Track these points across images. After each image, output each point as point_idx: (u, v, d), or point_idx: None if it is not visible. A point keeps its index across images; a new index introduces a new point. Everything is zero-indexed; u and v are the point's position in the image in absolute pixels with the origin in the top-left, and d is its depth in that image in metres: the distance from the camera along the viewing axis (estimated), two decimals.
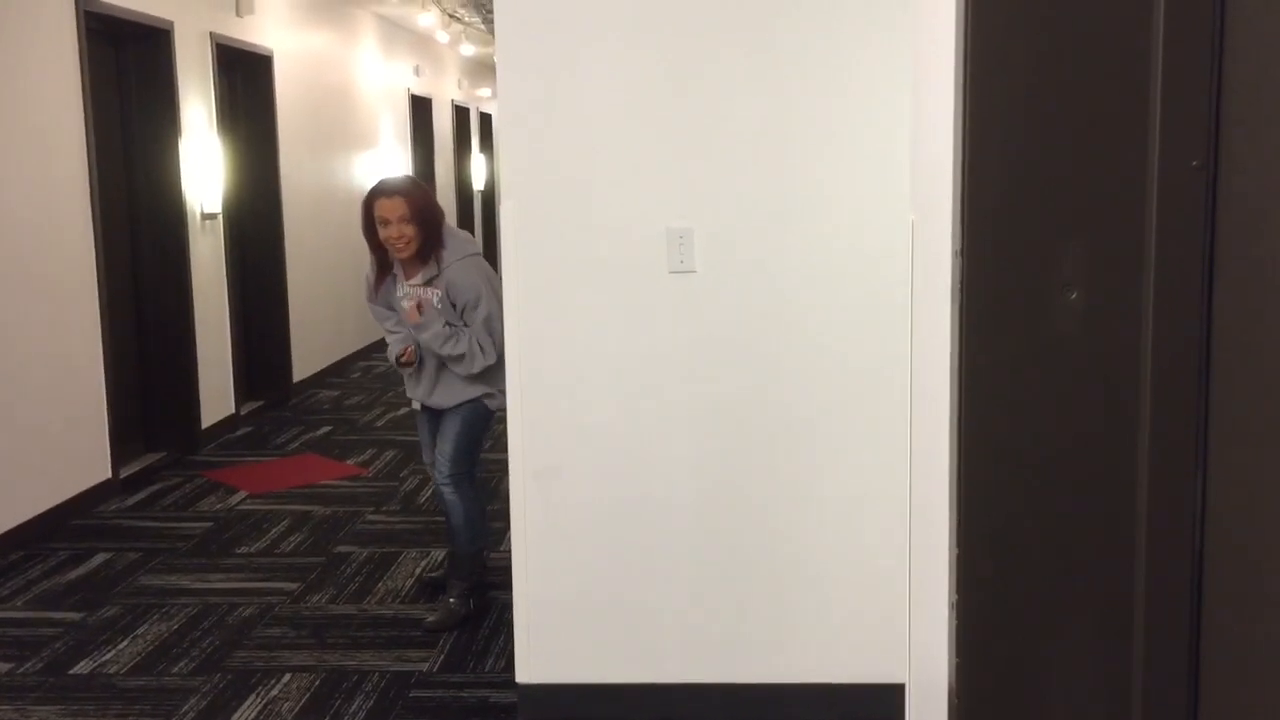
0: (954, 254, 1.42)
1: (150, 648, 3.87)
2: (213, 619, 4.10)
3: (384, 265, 3.99)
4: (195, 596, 4.32)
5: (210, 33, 6.83)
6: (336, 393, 8.26)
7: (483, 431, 4.08)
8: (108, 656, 3.80)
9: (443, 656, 3.77)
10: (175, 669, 3.70)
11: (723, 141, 3.07)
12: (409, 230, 3.80)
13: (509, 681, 3.45)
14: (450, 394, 3.96)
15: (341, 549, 4.84)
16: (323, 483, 5.90)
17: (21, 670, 3.70)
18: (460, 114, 13.98)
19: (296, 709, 3.42)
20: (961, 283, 1.39)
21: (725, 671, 3.26)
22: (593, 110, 3.08)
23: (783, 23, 3.02)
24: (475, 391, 3.95)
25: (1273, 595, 1.19)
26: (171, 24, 6.27)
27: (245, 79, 7.65)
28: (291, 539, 4.98)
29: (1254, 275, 1.24)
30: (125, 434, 5.92)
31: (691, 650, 3.26)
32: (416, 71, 11.67)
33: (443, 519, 4.15)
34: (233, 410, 7.06)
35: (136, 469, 5.98)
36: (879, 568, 3.17)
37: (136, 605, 4.24)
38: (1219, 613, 1.32)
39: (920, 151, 2.01)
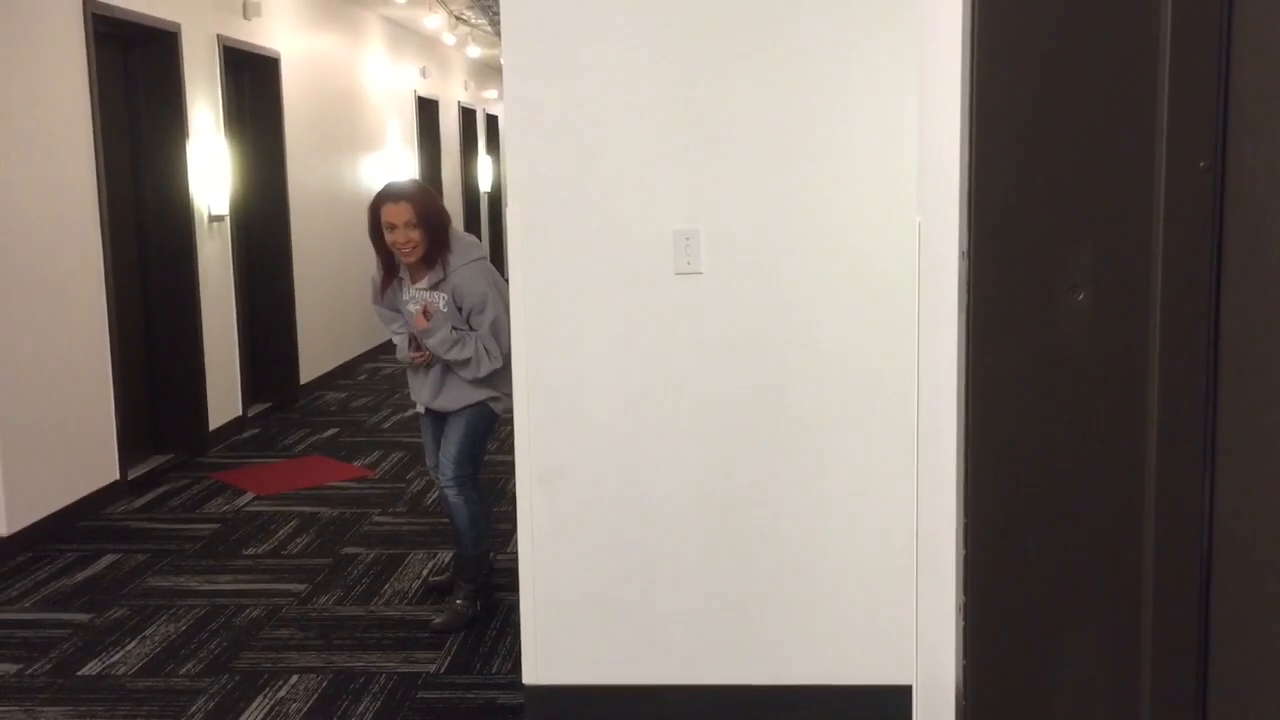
0: (960, 255, 1.41)
1: (158, 649, 3.87)
2: (220, 620, 4.11)
3: (390, 269, 3.99)
4: (203, 598, 4.33)
5: (217, 35, 6.84)
6: (343, 394, 8.27)
7: (487, 435, 4.08)
8: (116, 658, 3.81)
9: (449, 658, 3.77)
10: (183, 670, 3.71)
11: (729, 143, 3.07)
12: (415, 235, 3.80)
13: (515, 683, 3.45)
14: (455, 397, 3.96)
15: (348, 550, 4.84)
16: (330, 484, 5.91)
17: (30, 671, 3.71)
18: (467, 116, 14.00)
19: (304, 710, 3.42)
20: (968, 284, 1.38)
21: (732, 673, 3.25)
22: (599, 112, 3.08)
23: (789, 25, 3.02)
24: (480, 395, 3.95)
25: None
26: (179, 26, 6.29)
27: (252, 81, 7.66)
28: (299, 540, 4.99)
29: (1263, 277, 1.24)
30: (133, 436, 5.94)
31: (698, 652, 3.25)
32: (423, 73, 11.69)
33: (449, 521, 4.15)
34: (240, 412, 7.08)
35: (144, 471, 6.00)
36: (886, 569, 3.16)
37: (144, 606, 4.25)
38: (1228, 614, 1.31)
39: (926, 152, 2.01)
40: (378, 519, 5.30)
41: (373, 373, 9.16)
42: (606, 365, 3.16)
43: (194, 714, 3.41)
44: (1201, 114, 1.29)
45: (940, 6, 1.72)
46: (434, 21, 10.25)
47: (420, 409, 4.12)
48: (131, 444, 5.88)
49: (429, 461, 4.23)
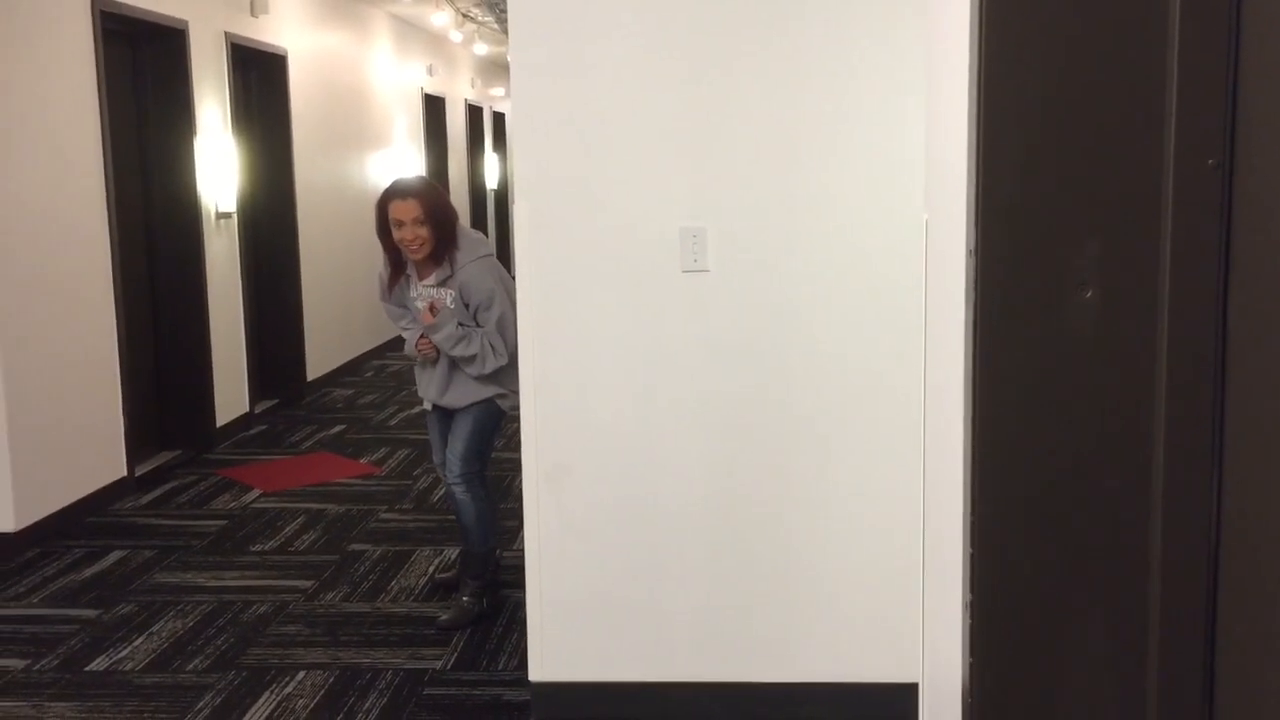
0: (968, 253, 1.41)
1: (165, 645, 3.88)
2: (227, 616, 4.12)
3: (398, 265, 4.00)
4: (210, 594, 4.34)
5: (225, 32, 6.85)
6: (350, 391, 8.28)
7: (494, 432, 4.09)
8: (123, 653, 3.82)
9: (456, 654, 3.78)
10: (190, 666, 3.72)
11: (736, 141, 3.07)
12: (423, 232, 3.81)
13: (522, 679, 3.46)
14: (462, 394, 3.97)
15: (355, 547, 4.85)
16: (336, 481, 5.92)
17: (38, 667, 3.73)
18: (474, 113, 14.00)
19: (311, 706, 3.43)
20: (975, 282, 1.38)
21: (738, 670, 3.26)
22: (606, 110, 3.08)
23: (796, 23, 3.02)
24: (487, 392, 3.95)
25: None
26: (186, 24, 6.30)
27: (260, 78, 7.67)
28: (305, 537, 5.00)
29: (1270, 274, 1.24)
30: (140, 432, 5.95)
31: (703, 649, 3.26)
32: (430, 71, 11.70)
33: (455, 518, 4.16)
34: (247, 409, 7.09)
35: (151, 467, 6.01)
36: (892, 567, 3.16)
37: (152, 603, 4.26)
38: (1234, 611, 1.31)
39: (934, 150, 2.01)
40: (384, 516, 5.31)
41: (379, 370, 9.17)
42: (613, 362, 3.16)
43: (201, 710, 3.42)
44: (1210, 112, 1.29)
45: (948, 5, 1.71)
46: (441, 19, 10.26)
47: (427, 405, 4.13)
48: (139, 440, 5.89)
49: (436, 458, 4.23)
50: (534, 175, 3.11)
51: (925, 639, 2.14)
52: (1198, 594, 1.34)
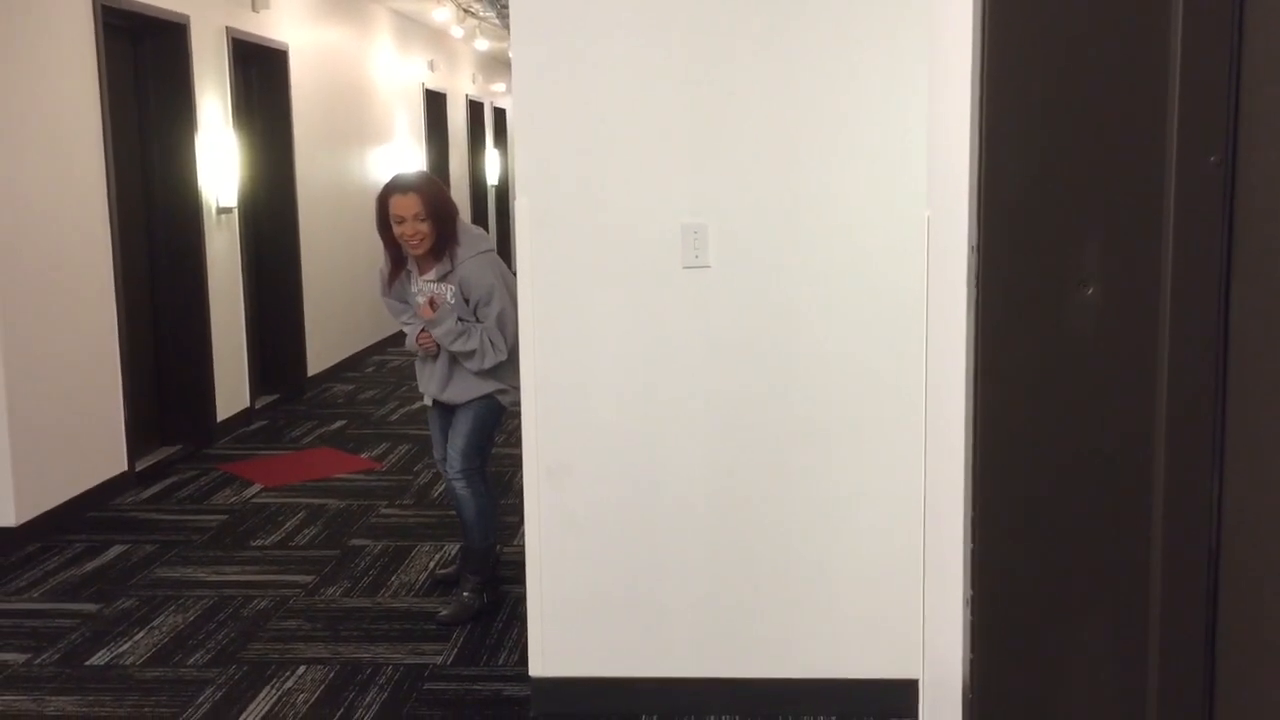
0: (970, 250, 1.41)
1: (166, 639, 3.89)
2: (228, 611, 4.12)
3: (398, 260, 4.00)
4: (210, 589, 4.34)
5: (226, 27, 6.85)
6: (351, 387, 8.28)
7: (494, 427, 4.09)
8: (124, 648, 3.83)
9: (456, 650, 3.78)
10: (191, 660, 3.72)
11: (737, 137, 3.07)
12: (423, 227, 3.81)
13: (522, 675, 3.46)
14: (463, 390, 3.97)
15: (356, 542, 4.86)
16: (337, 476, 5.92)
17: (38, 661, 3.73)
18: (474, 109, 14.00)
19: (311, 701, 3.43)
20: (977, 279, 1.38)
21: (738, 667, 3.26)
22: (607, 106, 3.08)
23: (797, 20, 3.02)
24: (488, 388, 3.95)
25: None
26: (187, 18, 6.29)
27: (261, 74, 7.67)
28: (306, 532, 5.00)
29: (1272, 271, 1.24)
30: (141, 427, 5.95)
31: (704, 645, 3.26)
32: (431, 66, 11.69)
33: (455, 513, 4.16)
34: (247, 404, 7.09)
35: (152, 462, 6.01)
36: (893, 563, 3.16)
37: (152, 597, 4.27)
38: (1235, 609, 1.31)
39: (936, 147, 2.01)
40: (385, 511, 5.31)
41: (380, 365, 9.17)
42: (614, 358, 3.17)
43: (201, 704, 3.42)
44: (1212, 108, 1.29)
45: (950, 3, 1.71)
46: (442, 14, 10.25)
47: (428, 401, 4.13)
48: (140, 435, 5.90)
49: (436, 454, 4.23)
50: (535, 171, 3.11)
51: (925, 635, 2.15)
52: (1199, 591, 1.34)
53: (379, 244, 4.01)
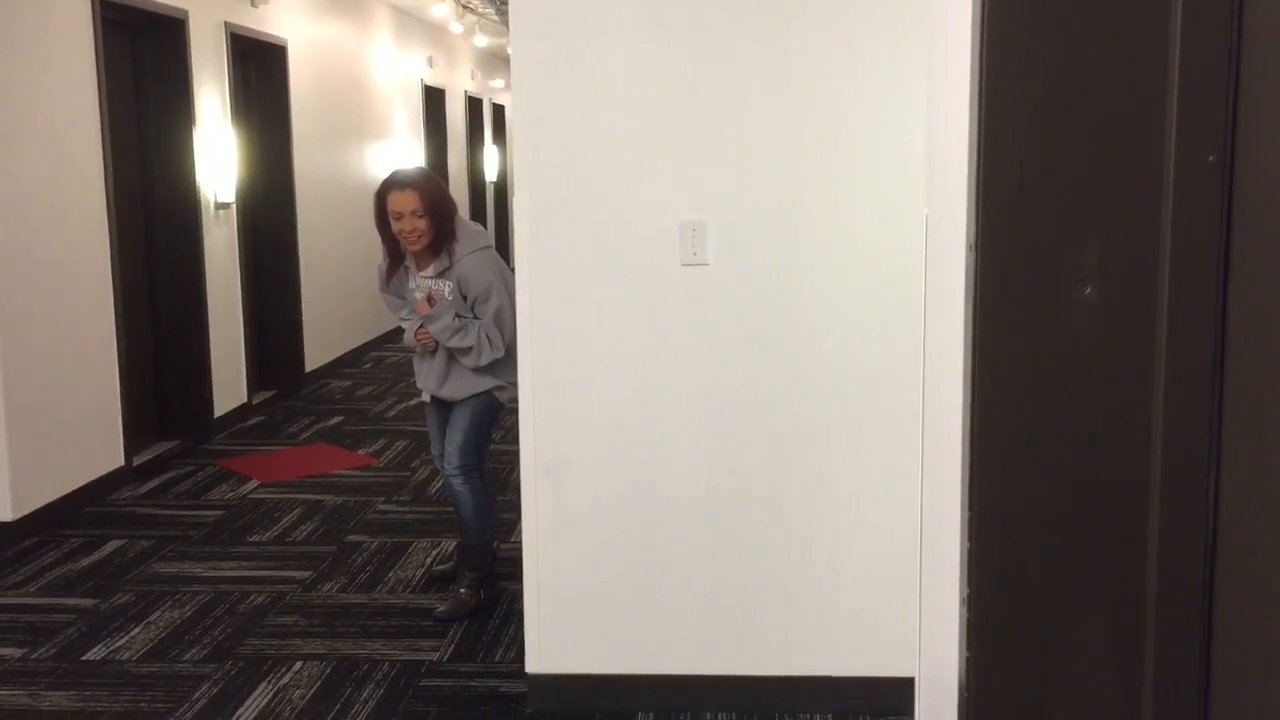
0: (968, 248, 1.41)
1: (162, 634, 3.89)
2: (224, 607, 4.12)
3: (396, 257, 4.00)
4: (207, 584, 4.34)
5: (225, 22, 6.84)
6: (348, 383, 8.28)
7: (492, 424, 4.09)
8: (120, 643, 3.83)
9: (453, 646, 3.78)
10: (187, 656, 3.72)
11: (736, 134, 3.07)
12: (421, 224, 3.80)
13: (518, 671, 3.46)
14: (460, 386, 3.97)
15: (352, 538, 4.86)
16: (334, 472, 5.92)
17: (35, 656, 3.73)
18: (473, 105, 13.99)
19: (307, 697, 3.43)
20: (975, 277, 1.38)
21: (735, 664, 3.26)
22: (606, 102, 3.08)
23: (797, 16, 3.01)
24: (485, 384, 3.95)
25: None
26: (186, 13, 6.28)
27: (259, 69, 7.66)
28: (303, 528, 5.00)
29: (1270, 271, 1.24)
30: (138, 422, 5.95)
31: (700, 643, 3.26)
32: (430, 62, 11.68)
33: (452, 510, 4.16)
34: (245, 399, 7.09)
35: (149, 457, 6.01)
36: (890, 562, 3.17)
37: (149, 592, 4.26)
38: (1231, 608, 1.32)
39: (935, 145, 2.01)
40: (382, 507, 5.31)
41: (378, 361, 9.17)
42: (612, 355, 3.17)
43: (198, 700, 3.42)
44: (1210, 108, 1.29)
45: (950, 2, 1.71)
46: (441, 10, 10.24)
47: (426, 397, 4.13)
48: (137, 430, 5.89)
49: (434, 450, 4.23)
50: (534, 168, 3.11)
51: (922, 633, 2.15)
52: (1195, 589, 1.34)
53: (377, 240, 4.01)
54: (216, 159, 6.68)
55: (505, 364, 3.86)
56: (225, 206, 6.84)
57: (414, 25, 11.14)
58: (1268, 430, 1.24)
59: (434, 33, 11.82)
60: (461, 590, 4.05)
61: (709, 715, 3.26)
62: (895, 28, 2.99)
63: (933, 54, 2.12)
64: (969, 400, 1.42)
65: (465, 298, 3.86)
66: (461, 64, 13.33)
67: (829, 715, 3.25)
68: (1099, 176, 1.34)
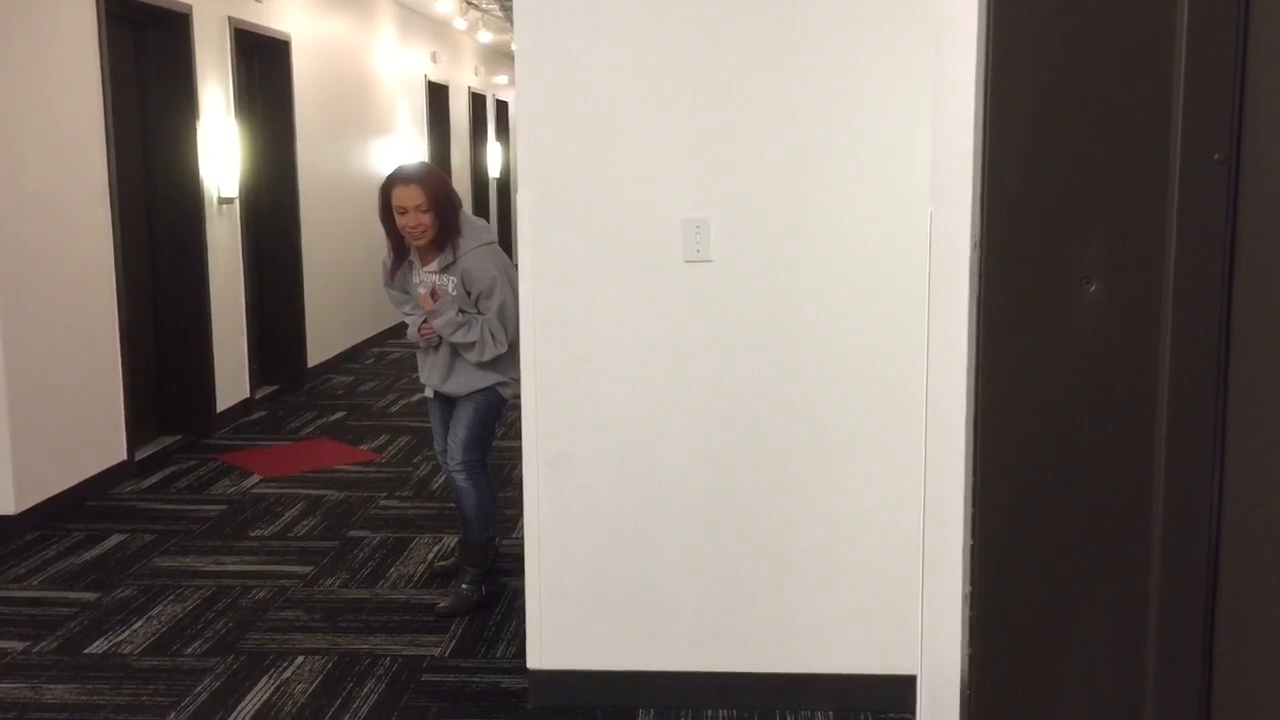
0: (972, 245, 1.41)
1: (164, 629, 3.89)
2: (226, 601, 4.13)
3: (400, 251, 4.00)
4: (209, 579, 4.35)
5: (229, 17, 6.84)
6: (351, 378, 8.29)
7: (495, 419, 4.09)
8: (122, 637, 3.83)
9: (454, 641, 3.79)
10: (189, 650, 3.73)
11: (740, 131, 3.06)
12: (426, 219, 3.80)
13: (520, 667, 3.47)
14: (464, 382, 3.97)
15: (354, 534, 4.86)
16: (336, 467, 5.92)
17: (37, 649, 3.73)
18: (477, 101, 13.98)
19: (309, 691, 3.44)
20: (979, 274, 1.38)
21: (736, 661, 3.26)
22: (610, 99, 3.07)
23: (801, 13, 3.01)
24: (489, 379, 3.95)
25: None
26: (190, 8, 6.28)
27: (263, 64, 7.66)
28: (305, 523, 5.00)
29: (1275, 270, 1.24)
30: (141, 417, 5.96)
31: (702, 639, 3.26)
32: (433, 58, 11.67)
33: (454, 505, 4.16)
34: (247, 394, 7.09)
35: (152, 451, 6.02)
36: (891, 559, 3.17)
37: (151, 586, 4.27)
38: (1235, 604, 1.31)
39: (939, 142, 2.01)
40: (384, 502, 5.31)
41: (380, 357, 9.17)
42: (614, 352, 3.17)
43: (199, 694, 3.43)
44: (1216, 106, 1.29)
45: None
46: (445, 6, 10.24)
47: (429, 393, 4.13)
48: (139, 425, 5.90)
49: (437, 446, 4.23)
50: (537, 164, 3.10)
51: (923, 630, 2.15)
52: (1198, 588, 1.34)
53: (380, 236, 4.01)
54: (220, 154, 6.68)
55: (508, 360, 3.86)
56: (228, 201, 6.84)
57: (418, 21, 11.13)
58: (1272, 428, 1.24)
59: (438, 28, 11.81)
60: (463, 585, 4.06)
61: (710, 712, 3.27)
62: (900, 24, 2.98)
63: (938, 51, 2.12)
64: (972, 397, 1.41)
65: (469, 293, 3.86)
66: (465, 60, 13.32)
67: (830, 712, 3.25)
68: (1104, 174, 1.33)
